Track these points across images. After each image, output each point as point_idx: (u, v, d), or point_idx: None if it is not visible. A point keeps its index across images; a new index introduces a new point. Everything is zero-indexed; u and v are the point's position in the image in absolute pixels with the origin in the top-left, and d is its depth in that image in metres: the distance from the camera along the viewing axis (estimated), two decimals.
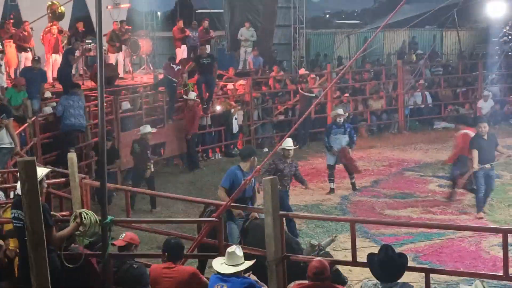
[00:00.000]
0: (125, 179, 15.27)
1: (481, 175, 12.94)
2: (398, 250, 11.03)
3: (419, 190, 15.07)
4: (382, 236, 11.88)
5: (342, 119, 15.18)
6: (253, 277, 7.27)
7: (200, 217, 9.39)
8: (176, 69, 18.09)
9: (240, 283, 6.63)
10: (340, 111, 15.66)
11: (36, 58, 16.85)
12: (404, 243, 11.55)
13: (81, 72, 19.65)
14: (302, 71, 23.58)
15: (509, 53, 25.54)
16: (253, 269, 7.10)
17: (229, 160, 17.78)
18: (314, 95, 19.76)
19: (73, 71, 19.12)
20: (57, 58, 18.96)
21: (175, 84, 17.74)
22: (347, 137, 15.03)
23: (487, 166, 12.89)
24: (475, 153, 12.80)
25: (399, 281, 6.16)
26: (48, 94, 17.17)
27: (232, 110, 18.82)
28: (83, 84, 18.40)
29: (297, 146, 13.66)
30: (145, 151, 14.39)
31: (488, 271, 9.11)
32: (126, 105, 17.09)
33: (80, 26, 20.70)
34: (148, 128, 14.63)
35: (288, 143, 12.29)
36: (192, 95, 17.28)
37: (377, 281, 6.16)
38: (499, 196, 14.16)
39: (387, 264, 6.13)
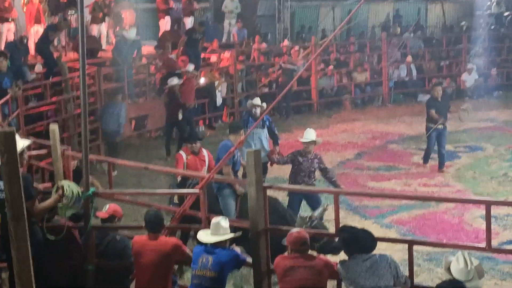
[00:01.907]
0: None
1: (433, 135, 14.03)
2: (382, 221, 11.24)
3: (403, 162, 15.10)
4: (365, 208, 11.94)
5: (259, 110, 12.59)
6: (237, 249, 7.27)
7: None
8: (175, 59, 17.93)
9: (225, 255, 6.65)
10: (257, 100, 12.93)
11: (24, 41, 16.54)
12: (387, 214, 11.59)
13: (63, 43, 19.38)
14: (285, 42, 23.47)
15: (493, 26, 25.56)
16: (242, 241, 7.04)
17: (212, 133, 17.70)
18: (295, 67, 19.66)
19: (55, 43, 18.86)
20: (39, 30, 18.60)
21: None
22: (266, 131, 12.69)
23: (440, 126, 13.88)
24: (433, 113, 13.89)
25: (376, 253, 6.19)
26: (39, 68, 16.84)
27: (216, 83, 18.67)
28: (65, 55, 18.19)
29: (319, 140, 11.13)
30: (174, 100, 15.75)
31: (471, 243, 9.16)
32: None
33: None
34: (175, 81, 15.86)
35: (307, 134, 10.74)
36: (191, 67, 17.02)
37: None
38: (482, 169, 14.25)
39: (353, 240, 6.19)
